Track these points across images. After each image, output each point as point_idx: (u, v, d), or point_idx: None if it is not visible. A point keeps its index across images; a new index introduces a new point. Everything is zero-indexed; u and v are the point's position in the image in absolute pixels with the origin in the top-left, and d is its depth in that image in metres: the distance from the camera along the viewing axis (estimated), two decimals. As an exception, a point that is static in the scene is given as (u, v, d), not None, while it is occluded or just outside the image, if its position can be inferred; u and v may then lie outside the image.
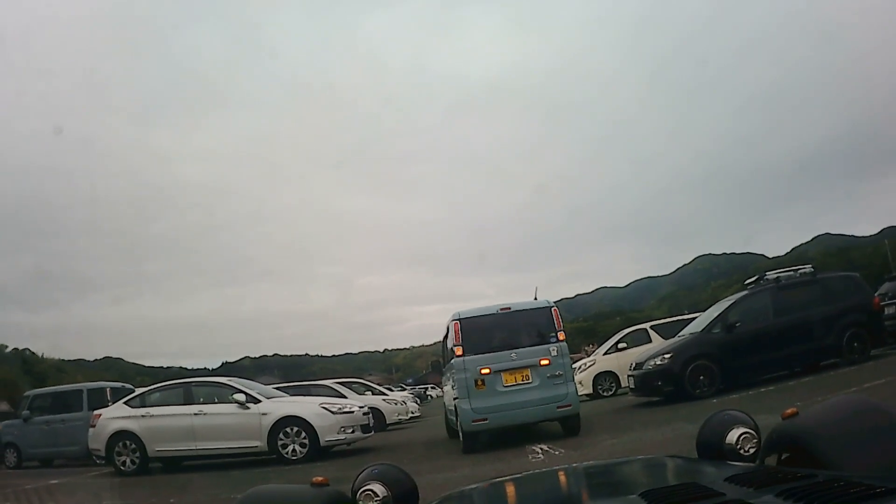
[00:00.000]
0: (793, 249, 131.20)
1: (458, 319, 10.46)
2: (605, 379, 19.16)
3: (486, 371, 10.14)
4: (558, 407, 10.15)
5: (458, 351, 10.30)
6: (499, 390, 10.12)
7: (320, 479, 1.81)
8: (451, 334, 10.66)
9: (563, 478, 2.23)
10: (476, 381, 10.12)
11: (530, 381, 10.19)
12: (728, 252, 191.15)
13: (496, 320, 10.72)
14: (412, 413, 23.29)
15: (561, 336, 10.49)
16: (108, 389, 16.65)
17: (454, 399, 10.57)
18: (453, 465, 9.23)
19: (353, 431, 12.29)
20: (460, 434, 10.50)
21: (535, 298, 11.19)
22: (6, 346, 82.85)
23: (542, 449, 9.18)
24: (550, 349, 10.33)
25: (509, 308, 10.73)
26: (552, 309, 10.67)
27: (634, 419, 10.97)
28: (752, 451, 1.85)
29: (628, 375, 14.23)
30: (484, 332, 10.58)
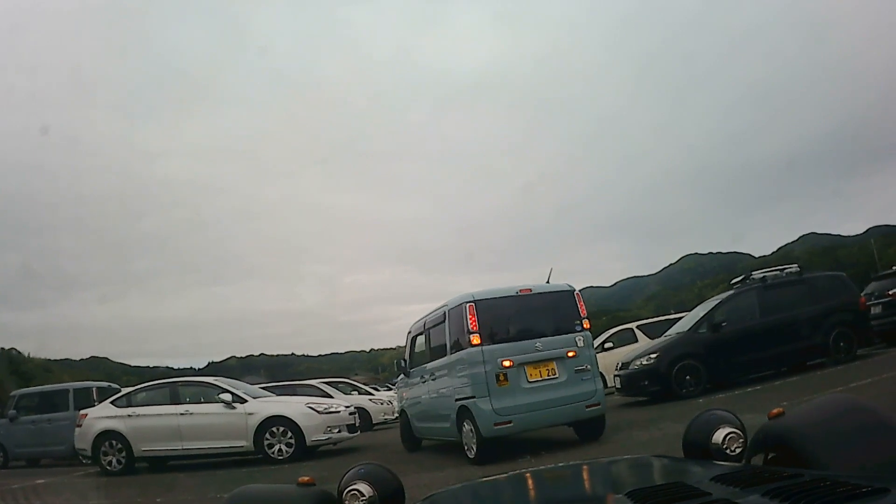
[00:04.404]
0: (779, 249, 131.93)
1: (473, 301, 8.98)
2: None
3: (509, 364, 8.71)
4: (587, 406, 8.95)
5: (475, 339, 8.81)
6: (523, 387, 8.73)
7: (306, 478, 1.80)
8: (463, 320, 9.05)
9: (549, 477, 2.23)
10: (497, 376, 8.65)
11: (556, 375, 8.91)
12: (714, 251, 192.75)
13: (515, 304, 9.32)
14: (398, 413, 23.20)
15: (586, 324, 9.35)
16: (94, 389, 16.57)
17: (465, 399, 8.89)
18: (440, 465, 9.22)
19: (339, 431, 12.31)
20: (475, 441, 8.73)
21: (548, 282, 9.86)
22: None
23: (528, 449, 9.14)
24: (577, 339, 9.14)
25: (530, 290, 9.34)
26: (576, 293, 9.52)
27: (621, 419, 10.97)
28: (738, 450, 1.86)
29: (615, 375, 14.23)
30: (502, 318, 9.20)
